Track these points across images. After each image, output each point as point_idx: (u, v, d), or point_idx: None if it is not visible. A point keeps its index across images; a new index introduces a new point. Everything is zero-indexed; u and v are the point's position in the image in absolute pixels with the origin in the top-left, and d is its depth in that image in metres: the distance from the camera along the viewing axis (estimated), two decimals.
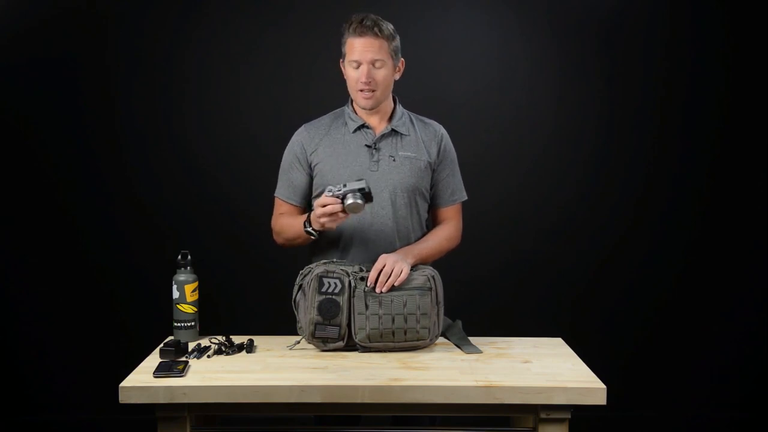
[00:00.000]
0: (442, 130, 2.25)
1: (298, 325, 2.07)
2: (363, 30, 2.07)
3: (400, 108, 2.23)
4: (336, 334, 1.97)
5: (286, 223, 2.17)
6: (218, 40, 3.19)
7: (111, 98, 3.20)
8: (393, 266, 1.98)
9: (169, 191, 3.23)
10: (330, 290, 1.96)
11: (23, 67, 3.15)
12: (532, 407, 1.77)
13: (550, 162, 3.27)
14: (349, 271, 1.99)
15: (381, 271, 1.98)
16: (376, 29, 2.07)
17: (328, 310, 1.96)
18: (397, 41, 2.14)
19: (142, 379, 1.78)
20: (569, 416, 1.77)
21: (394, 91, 2.22)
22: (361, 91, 2.11)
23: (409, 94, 3.11)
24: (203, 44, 3.19)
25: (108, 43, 3.18)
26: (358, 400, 1.75)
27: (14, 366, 3.25)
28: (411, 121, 2.23)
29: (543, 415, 1.76)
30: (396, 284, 1.97)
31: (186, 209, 3.23)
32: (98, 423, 3.20)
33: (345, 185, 1.96)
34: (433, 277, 2.02)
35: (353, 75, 2.11)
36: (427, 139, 2.20)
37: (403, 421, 2.07)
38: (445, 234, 2.22)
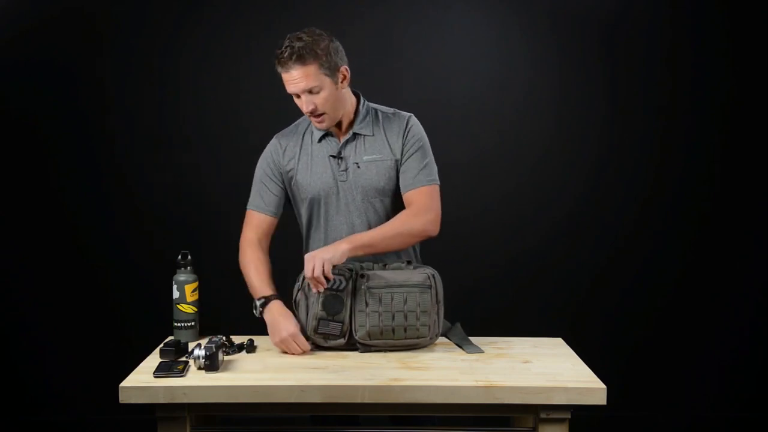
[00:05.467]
0: (409, 120, 2.13)
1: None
2: (285, 63, 1.95)
3: (363, 108, 2.13)
4: (338, 330, 1.97)
5: (248, 272, 2.12)
6: (218, 42, 3.19)
7: (111, 99, 3.20)
8: (312, 266, 1.90)
9: (169, 191, 3.23)
10: (335, 286, 1.96)
11: (22, 67, 3.15)
12: (532, 407, 1.77)
13: (551, 162, 3.27)
14: (351, 268, 1.99)
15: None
16: (296, 57, 1.93)
17: (332, 306, 1.96)
18: (331, 52, 1.98)
19: (142, 379, 1.78)
20: (569, 416, 1.77)
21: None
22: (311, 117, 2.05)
23: (410, 94, 3.14)
24: (203, 45, 3.20)
25: (107, 45, 3.18)
26: (358, 400, 1.75)
27: (14, 366, 3.25)
28: (377, 117, 2.14)
29: (543, 415, 1.76)
30: (315, 275, 1.90)
31: (186, 209, 3.23)
32: (98, 423, 3.20)
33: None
34: (432, 275, 2.01)
35: (297, 102, 2.04)
36: (391, 134, 2.11)
37: (401, 422, 2.07)
38: (401, 218, 2.05)
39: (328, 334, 1.98)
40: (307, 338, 2.00)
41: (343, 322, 1.97)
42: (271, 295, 2.06)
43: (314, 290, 1.94)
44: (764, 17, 3.18)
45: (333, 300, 1.96)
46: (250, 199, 2.20)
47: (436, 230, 2.09)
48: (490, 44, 3.27)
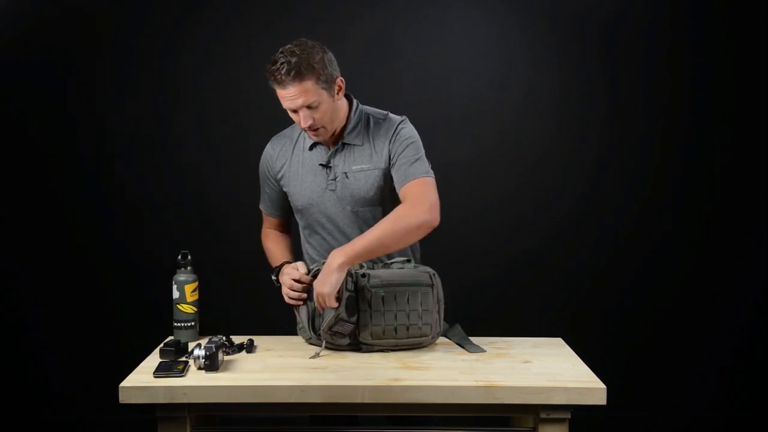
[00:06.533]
0: (399, 124, 2.07)
1: (299, 326, 2.08)
2: (282, 79, 1.90)
3: (355, 115, 2.09)
4: (349, 330, 1.96)
5: (269, 248, 2.27)
6: (218, 42, 3.19)
7: (111, 99, 3.20)
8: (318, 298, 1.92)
9: (169, 191, 3.23)
10: (349, 287, 1.95)
11: (22, 67, 3.15)
12: (532, 407, 1.77)
13: (551, 162, 3.27)
14: (353, 271, 1.99)
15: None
16: (294, 73, 1.88)
17: (352, 307, 1.95)
18: (326, 64, 1.94)
19: (142, 379, 1.78)
20: (569, 416, 1.77)
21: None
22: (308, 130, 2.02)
23: (410, 94, 3.13)
24: (203, 45, 3.20)
25: (107, 45, 3.18)
26: (358, 400, 1.75)
27: (14, 366, 3.25)
28: (367, 124, 2.09)
29: (543, 415, 1.76)
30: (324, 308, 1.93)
31: (186, 209, 3.23)
32: (98, 423, 3.20)
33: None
34: (433, 274, 2.01)
35: (293, 116, 2.00)
36: (379, 142, 2.06)
37: (401, 422, 2.07)
38: (394, 215, 1.95)
39: (343, 333, 1.96)
40: (317, 335, 1.99)
41: (355, 324, 1.96)
42: (282, 263, 2.13)
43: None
44: (764, 17, 3.18)
45: (350, 301, 1.95)
46: (260, 199, 2.29)
47: (436, 219, 1.97)
48: (490, 44, 3.26)
